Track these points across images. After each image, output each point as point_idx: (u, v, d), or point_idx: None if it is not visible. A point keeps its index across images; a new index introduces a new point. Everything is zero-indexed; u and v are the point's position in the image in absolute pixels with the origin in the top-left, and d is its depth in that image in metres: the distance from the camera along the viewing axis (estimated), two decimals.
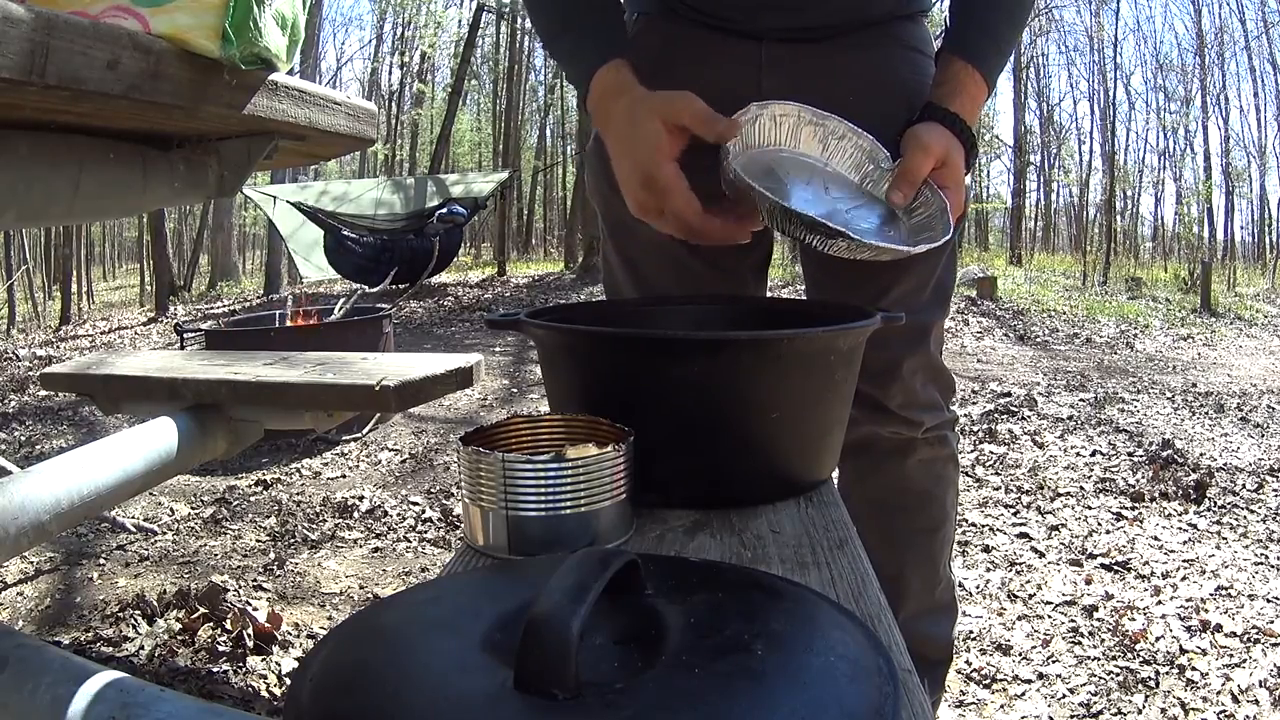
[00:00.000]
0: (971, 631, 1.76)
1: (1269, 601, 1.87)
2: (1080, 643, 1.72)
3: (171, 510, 2.53)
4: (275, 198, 8.33)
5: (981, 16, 1.00)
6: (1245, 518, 2.39)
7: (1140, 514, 2.44)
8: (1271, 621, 1.77)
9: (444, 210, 8.14)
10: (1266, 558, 2.11)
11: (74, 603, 1.90)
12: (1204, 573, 2.03)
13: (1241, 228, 24.46)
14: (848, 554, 0.65)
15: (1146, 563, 2.09)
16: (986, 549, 2.21)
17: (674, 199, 0.85)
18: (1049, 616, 1.84)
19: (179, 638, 1.68)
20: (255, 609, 1.72)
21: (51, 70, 0.71)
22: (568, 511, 0.62)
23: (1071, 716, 1.48)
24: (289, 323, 3.61)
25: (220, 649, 1.62)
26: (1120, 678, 1.57)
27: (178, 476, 2.24)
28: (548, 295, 8.84)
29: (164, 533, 2.35)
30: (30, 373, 5.07)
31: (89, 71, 0.75)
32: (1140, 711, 1.48)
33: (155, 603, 1.82)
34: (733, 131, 0.87)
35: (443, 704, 0.38)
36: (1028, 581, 2.01)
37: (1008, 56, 1.03)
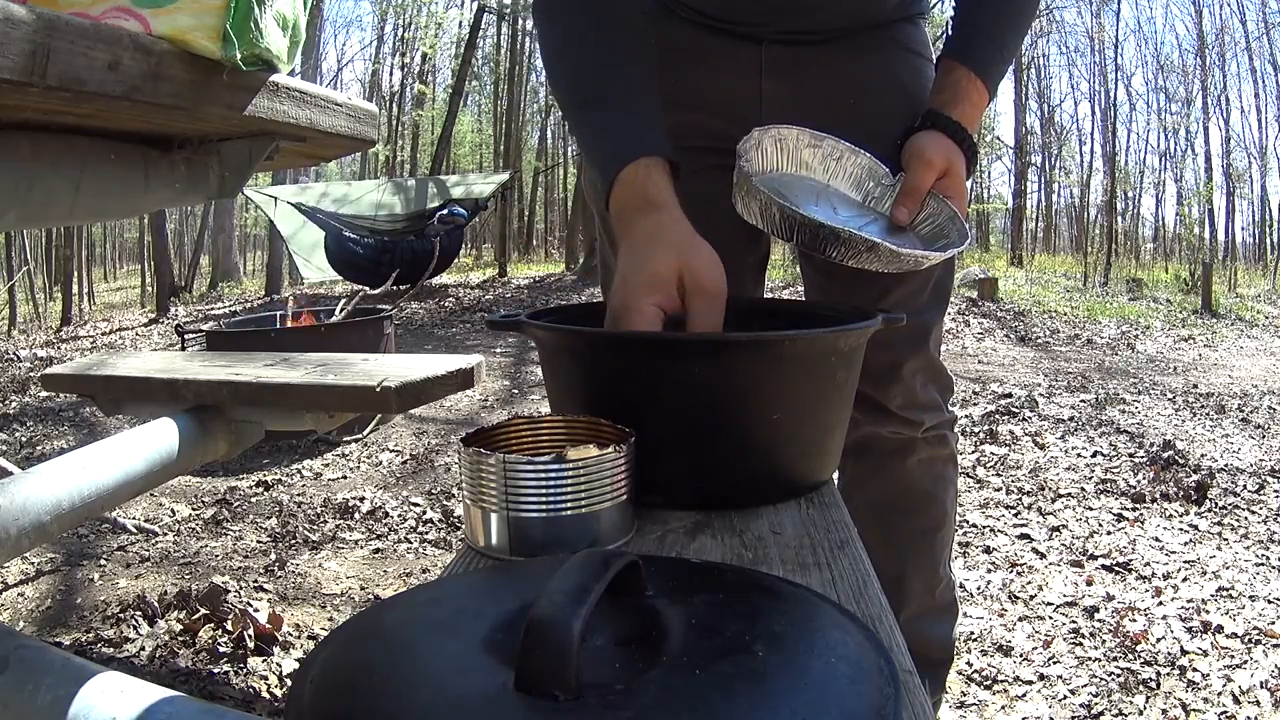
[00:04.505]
0: (973, 632, 1.76)
1: (1270, 603, 1.87)
2: (1081, 644, 1.72)
3: (172, 511, 2.53)
4: (276, 199, 8.33)
5: (984, 23, 1.00)
6: (1246, 519, 2.39)
7: (1141, 515, 2.44)
8: (1273, 623, 1.77)
9: (445, 211, 8.15)
10: (1267, 559, 2.11)
11: (75, 604, 1.90)
12: (1205, 574, 2.03)
13: (1242, 229, 24.46)
14: (849, 555, 0.65)
15: (1147, 564, 2.09)
16: (988, 550, 2.21)
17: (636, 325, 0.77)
18: (1050, 617, 1.83)
19: (180, 639, 1.68)
20: (256, 610, 1.72)
21: (52, 71, 0.71)
22: (569, 513, 0.62)
23: (1073, 717, 1.47)
24: (289, 324, 3.61)
25: (221, 650, 1.63)
26: (1121, 679, 1.57)
27: (179, 477, 2.24)
28: (549, 296, 8.84)
29: (165, 534, 2.35)
30: (31, 373, 5.07)
31: (90, 73, 0.75)
32: (1141, 712, 1.47)
33: (156, 604, 1.82)
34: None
35: (443, 705, 0.38)
36: (1029, 582, 2.01)
37: (1009, 63, 1.03)
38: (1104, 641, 1.72)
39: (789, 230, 0.86)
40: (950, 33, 1.01)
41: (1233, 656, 1.64)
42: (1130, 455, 3.06)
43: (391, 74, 23.56)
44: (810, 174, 0.97)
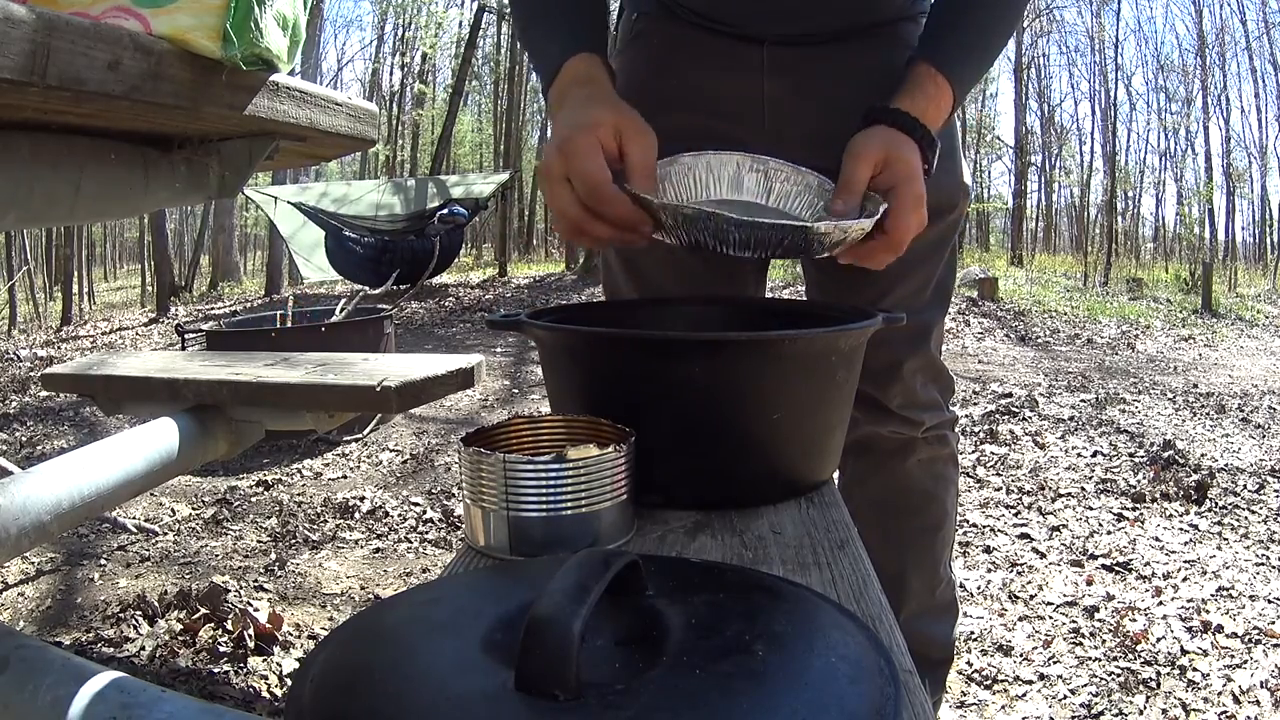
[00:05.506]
0: (973, 632, 1.76)
1: (1270, 602, 1.87)
2: (1081, 643, 1.72)
3: (172, 511, 2.53)
4: (276, 199, 8.33)
5: (955, 21, 0.96)
6: (1246, 518, 2.39)
7: (1141, 515, 2.44)
8: (1273, 622, 1.77)
9: (445, 211, 8.14)
10: (1267, 558, 2.11)
11: (75, 603, 1.90)
12: (1205, 573, 2.03)
13: (1243, 228, 24.50)
14: (849, 554, 0.65)
15: (1148, 563, 2.09)
16: (988, 550, 2.21)
17: (581, 161, 0.77)
18: (1050, 617, 1.83)
19: (180, 638, 1.68)
20: (256, 609, 1.72)
21: (53, 71, 0.71)
22: (569, 512, 0.62)
23: (1073, 717, 1.47)
24: (288, 323, 3.61)
25: (221, 650, 1.63)
26: (1121, 678, 1.57)
27: (179, 477, 2.24)
28: (549, 296, 8.84)
29: (165, 533, 2.35)
30: (31, 373, 5.07)
31: (90, 72, 0.75)
32: (1141, 712, 1.47)
33: (156, 603, 1.82)
34: (645, 187, 0.80)
35: (443, 704, 0.38)
36: (1029, 582, 2.01)
37: (982, 65, 0.99)
38: (1104, 641, 1.72)
39: (670, 223, 0.79)
40: (921, 35, 0.99)
41: (1233, 656, 1.64)
42: (1130, 455, 3.06)
43: (391, 74, 23.57)
44: (751, 198, 0.94)
